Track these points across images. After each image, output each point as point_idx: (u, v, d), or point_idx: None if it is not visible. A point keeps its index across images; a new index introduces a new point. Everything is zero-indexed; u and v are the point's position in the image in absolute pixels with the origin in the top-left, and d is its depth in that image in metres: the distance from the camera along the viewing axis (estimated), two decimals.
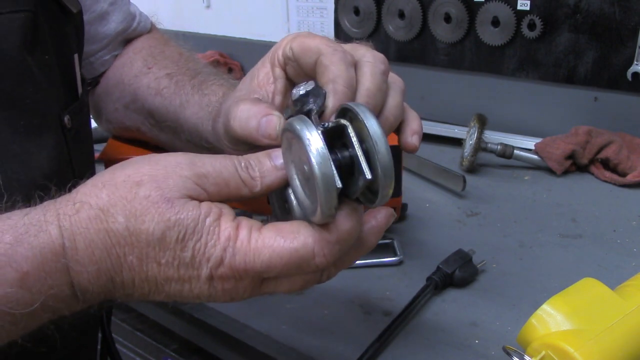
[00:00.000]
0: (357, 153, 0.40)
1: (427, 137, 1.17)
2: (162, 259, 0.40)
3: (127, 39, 0.75)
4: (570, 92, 1.11)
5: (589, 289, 0.56)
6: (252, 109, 0.48)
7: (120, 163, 0.43)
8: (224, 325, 0.67)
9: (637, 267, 0.73)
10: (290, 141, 0.41)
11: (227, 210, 0.42)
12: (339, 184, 0.39)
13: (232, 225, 0.41)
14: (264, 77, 0.51)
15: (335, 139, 0.41)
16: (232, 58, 1.59)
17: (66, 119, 0.56)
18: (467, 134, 1.04)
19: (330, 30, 1.41)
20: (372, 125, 0.39)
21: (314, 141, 0.38)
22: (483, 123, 1.01)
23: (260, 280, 0.42)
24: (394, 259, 0.75)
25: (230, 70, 1.58)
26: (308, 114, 0.43)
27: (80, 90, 0.61)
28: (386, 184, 0.40)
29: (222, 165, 0.42)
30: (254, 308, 0.67)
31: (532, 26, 1.10)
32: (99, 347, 0.72)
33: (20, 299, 0.39)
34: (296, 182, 0.42)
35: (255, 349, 0.64)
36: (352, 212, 0.42)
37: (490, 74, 1.20)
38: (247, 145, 0.50)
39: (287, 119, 0.45)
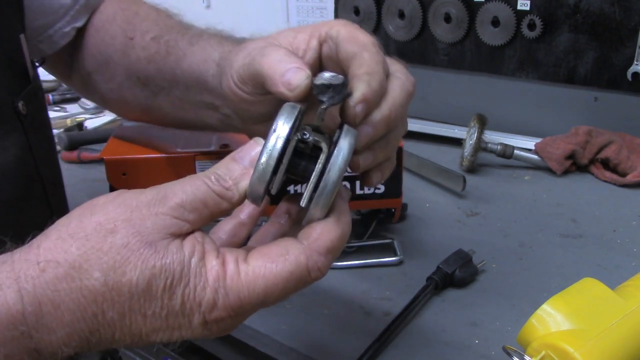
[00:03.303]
0: (312, 174, 0.40)
1: (427, 137, 1.17)
2: (148, 310, 0.37)
3: (88, 6, 0.70)
4: (570, 92, 1.11)
5: (589, 289, 0.56)
6: (290, 56, 0.45)
7: (84, 206, 0.39)
8: None
9: (637, 267, 0.73)
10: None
11: (209, 246, 0.39)
12: (268, 183, 0.39)
13: (217, 262, 0.38)
14: (301, 41, 0.50)
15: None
16: None
17: (20, 104, 0.53)
18: (467, 134, 1.04)
19: None
20: (343, 156, 0.40)
21: (281, 131, 0.39)
22: (483, 123, 1.02)
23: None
24: (394, 259, 0.75)
25: None
26: (319, 103, 0.43)
27: (31, 73, 0.58)
28: (316, 211, 0.40)
29: (194, 187, 0.39)
30: None
31: (532, 26, 1.10)
32: None
33: None
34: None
35: (255, 349, 0.64)
36: (340, 216, 0.41)
37: (490, 74, 1.20)
38: (256, 87, 0.48)
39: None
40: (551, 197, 0.94)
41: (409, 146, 0.87)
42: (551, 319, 0.53)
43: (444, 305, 0.67)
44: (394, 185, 0.72)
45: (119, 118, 1.35)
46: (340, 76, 0.42)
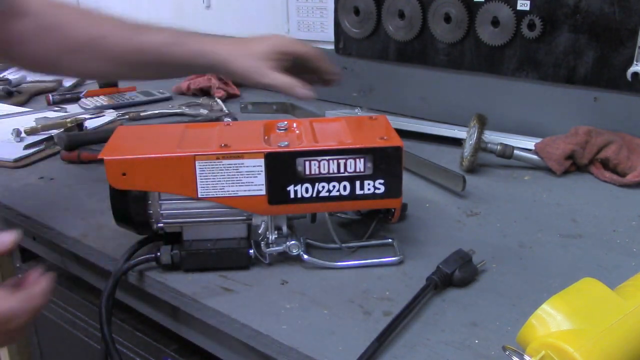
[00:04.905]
0: None
1: (427, 137, 1.17)
2: None
3: None
4: (570, 92, 1.11)
5: (589, 289, 0.56)
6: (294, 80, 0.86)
7: None
8: (224, 325, 0.67)
9: (637, 267, 0.73)
10: None
11: None
12: None
13: None
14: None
15: None
16: None
17: None
18: (467, 134, 1.04)
19: (330, 31, 1.41)
20: None
21: None
22: (483, 123, 1.02)
23: None
24: (394, 259, 0.75)
25: None
26: None
27: None
28: None
29: None
30: (254, 308, 0.67)
31: (532, 26, 1.10)
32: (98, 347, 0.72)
33: None
34: None
35: (255, 349, 0.64)
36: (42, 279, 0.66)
37: (490, 74, 1.20)
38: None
39: None
40: (551, 197, 0.94)
41: (409, 146, 0.87)
42: (551, 319, 0.53)
43: (444, 305, 0.67)
44: (394, 185, 0.72)
45: (119, 118, 1.35)
46: None
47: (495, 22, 1.14)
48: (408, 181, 0.88)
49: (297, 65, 0.93)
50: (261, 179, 0.70)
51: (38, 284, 0.66)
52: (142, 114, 1.38)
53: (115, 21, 0.92)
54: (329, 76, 0.97)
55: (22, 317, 0.63)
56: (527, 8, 1.10)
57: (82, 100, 1.49)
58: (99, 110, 1.41)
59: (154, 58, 0.91)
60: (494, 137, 1.06)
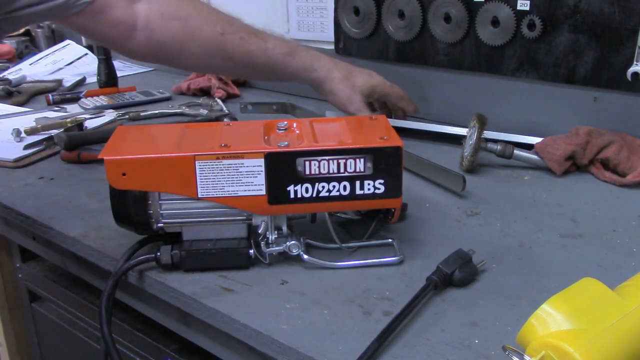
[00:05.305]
0: None
1: (427, 137, 1.17)
2: None
3: None
4: (570, 92, 1.11)
5: (589, 289, 0.56)
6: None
7: None
8: (224, 325, 0.67)
9: (637, 267, 0.73)
10: None
11: None
12: None
13: None
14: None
15: None
16: None
17: None
18: (467, 134, 1.04)
19: (330, 30, 1.41)
20: None
21: None
22: (483, 123, 1.02)
23: None
24: (394, 259, 0.75)
25: None
26: None
27: None
28: None
29: None
30: (254, 308, 0.67)
31: (532, 26, 1.10)
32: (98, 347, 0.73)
33: None
34: None
35: (255, 349, 0.64)
36: None
37: (490, 74, 1.20)
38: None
39: None
40: (551, 197, 0.94)
41: (409, 146, 0.87)
42: (551, 319, 0.53)
43: (444, 305, 0.67)
44: (394, 185, 0.72)
45: (119, 118, 1.35)
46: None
47: (495, 22, 1.14)
48: (408, 181, 0.88)
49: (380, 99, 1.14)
50: (261, 179, 0.70)
51: None
52: (142, 114, 1.38)
53: (234, 21, 0.97)
54: (407, 109, 1.18)
55: None
56: (527, 8, 1.10)
57: (82, 100, 1.49)
58: (99, 110, 1.41)
59: (267, 63, 0.95)
60: (494, 137, 1.06)
